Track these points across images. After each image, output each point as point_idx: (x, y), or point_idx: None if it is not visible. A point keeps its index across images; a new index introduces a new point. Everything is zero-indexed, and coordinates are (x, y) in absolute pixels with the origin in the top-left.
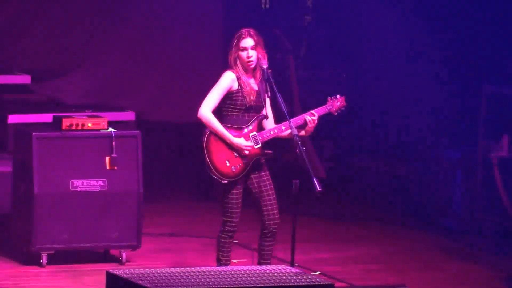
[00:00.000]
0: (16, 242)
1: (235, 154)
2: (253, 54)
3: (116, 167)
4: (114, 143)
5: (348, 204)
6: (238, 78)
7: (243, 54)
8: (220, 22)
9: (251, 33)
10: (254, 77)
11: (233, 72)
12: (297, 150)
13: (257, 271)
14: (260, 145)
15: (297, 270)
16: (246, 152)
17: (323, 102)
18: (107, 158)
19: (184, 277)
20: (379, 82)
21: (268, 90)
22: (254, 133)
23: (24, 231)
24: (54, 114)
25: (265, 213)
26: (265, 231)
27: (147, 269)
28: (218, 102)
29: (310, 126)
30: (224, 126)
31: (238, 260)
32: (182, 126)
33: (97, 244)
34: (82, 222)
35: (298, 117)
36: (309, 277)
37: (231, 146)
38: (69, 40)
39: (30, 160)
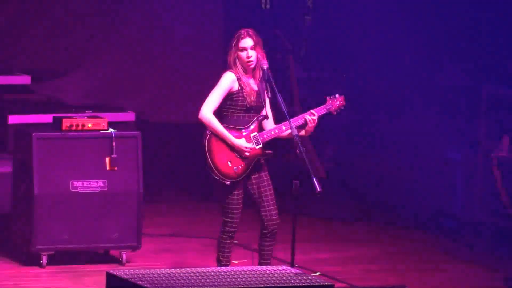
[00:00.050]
0: (16, 242)
1: (237, 155)
2: (252, 54)
3: (116, 168)
4: (114, 143)
5: (348, 204)
6: (239, 79)
7: (243, 54)
8: (220, 23)
9: (250, 33)
10: (254, 77)
11: (233, 72)
12: (297, 151)
13: (257, 272)
14: (261, 146)
15: (297, 271)
16: (247, 153)
17: (323, 102)
18: (107, 159)
19: (184, 277)
20: (379, 82)
21: (268, 90)
22: (255, 133)
23: (24, 231)
24: (54, 115)
25: (264, 213)
26: (264, 231)
27: (147, 270)
28: (219, 103)
29: (310, 125)
30: (224, 127)
31: (238, 260)
32: (182, 127)
33: (97, 245)
34: (82, 223)
35: (298, 116)
36: (309, 277)
37: (232, 147)
38: (69, 40)
39: (30, 160)
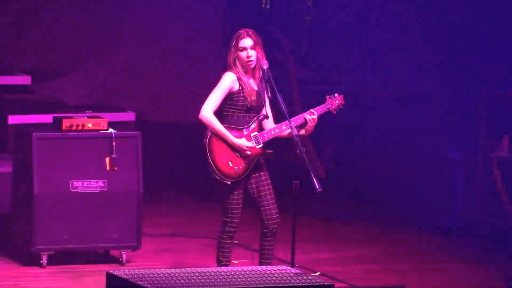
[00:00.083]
0: (16, 242)
1: (237, 154)
2: (252, 53)
3: (116, 168)
4: (114, 143)
5: (348, 204)
6: (239, 79)
7: (243, 54)
8: (220, 23)
9: (250, 33)
10: (254, 77)
11: (233, 72)
12: (297, 151)
13: (257, 272)
14: (261, 145)
15: (297, 271)
16: (248, 152)
17: (323, 102)
18: (107, 159)
19: (184, 277)
20: (379, 82)
21: (268, 90)
22: (255, 133)
23: (24, 231)
24: (54, 115)
25: (264, 213)
26: (265, 230)
27: (147, 270)
28: (220, 103)
29: (310, 125)
30: (225, 127)
31: (238, 260)
32: (182, 127)
33: (97, 245)
34: (82, 223)
35: (298, 116)
36: (309, 277)
37: (233, 147)
38: (69, 40)
39: (30, 160)
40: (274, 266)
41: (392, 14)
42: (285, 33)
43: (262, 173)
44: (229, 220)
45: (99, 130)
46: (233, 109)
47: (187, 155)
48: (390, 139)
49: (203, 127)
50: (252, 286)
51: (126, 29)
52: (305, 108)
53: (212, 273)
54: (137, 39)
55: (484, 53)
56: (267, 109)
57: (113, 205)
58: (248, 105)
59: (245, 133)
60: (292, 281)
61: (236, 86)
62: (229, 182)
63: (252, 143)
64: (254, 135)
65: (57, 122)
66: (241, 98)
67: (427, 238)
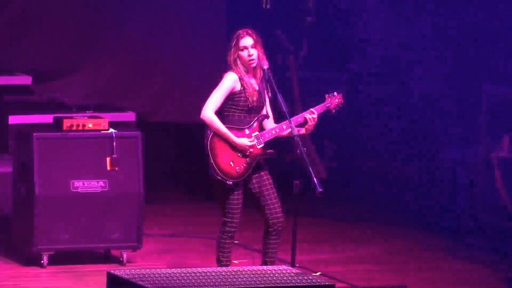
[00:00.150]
0: (17, 242)
1: (239, 154)
2: (254, 52)
3: (116, 168)
4: (114, 143)
5: (348, 205)
6: (241, 79)
7: (244, 53)
8: (221, 23)
9: (249, 32)
10: (255, 76)
11: (235, 73)
12: (298, 151)
13: (258, 272)
14: (262, 145)
15: (298, 271)
16: (251, 150)
17: (323, 101)
18: (108, 159)
19: (185, 277)
20: (379, 82)
21: (269, 90)
22: (256, 133)
23: (25, 231)
24: (55, 115)
25: (269, 212)
26: (270, 229)
27: (148, 270)
28: (221, 103)
29: (310, 124)
30: (226, 127)
31: (239, 260)
32: (182, 127)
33: (98, 245)
34: (83, 223)
35: (298, 115)
36: (310, 277)
37: (234, 147)
38: (70, 40)
39: (30, 161)
40: (274, 266)
41: (392, 13)
42: (286, 34)
43: (262, 172)
44: (229, 220)
45: (99, 130)
46: (234, 109)
47: (188, 155)
48: (390, 139)
49: (204, 127)
50: (253, 286)
51: (127, 29)
52: (305, 109)
53: (212, 273)
54: (138, 39)
55: (485, 53)
56: (268, 109)
57: (113, 205)
58: (250, 105)
59: (247, 133)
60: (293, 281)
61: (238, 86)
62: (231, 183)
63: (254, 143)
64: (255, 135)
65: (58, 122)
66: (242, 98)
67: (427, 238)
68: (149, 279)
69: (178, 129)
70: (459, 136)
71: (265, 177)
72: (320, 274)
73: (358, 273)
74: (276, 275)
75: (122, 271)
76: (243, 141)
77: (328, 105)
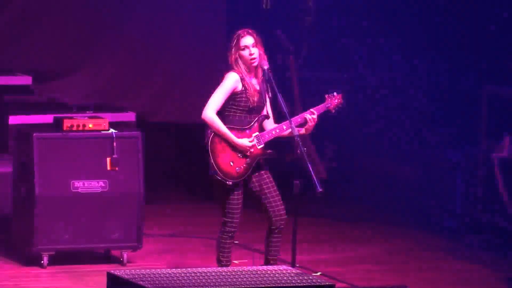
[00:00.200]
0: (17, 243)
1: (239, 155)
2: (255, 51)
3: (117, 168)
4: (115, 144)
5: (348, 205)
6: (242, 79)
7: (245, 52)
8: (221, 23)
9: (250, 31)
10: (256, 76)
11: (236, 73)
12: (298, 151)
13: (258, 272)
14: (262, 145)
15: (298, 271)
16: (252, 150)
17: (323, 101)
18: (108, 159)
19: (185, 277)
20: (380, 82)
21: (269, 90)
22: (257, 133)
23: (25, 232)
24: (55, 115)
25: (272, 210)
26: (272, 227)
27: (148, 270)
28: (222, 103)
29: (310, 124)
30: (227, 127)
31: (239, 260)
32: (182, 127)
33: (98, 245)
34: (83, 223)
35: (299, 116)
36: (310, 277)
37: (235, 147)
38: (70, 41)
39: (30, 161)
40: (275, 266)
41: (392, 13)
42: (286, 34)
43: (262, 171)
44: (229, 220)
45: (100, 131)
46: (235, 109)
47: (188, 155)
48: (390, 139)
49: (204, 127)
50: (253, 286)
51: (127, 30)
52: (306, 109)
53: (212, 273)
54: (138, 39)
55: (485, 53)
56: (268, 109)
57: (114, 205)
58: (250, 106)
59: (247, 133)
60: (293, 281)
61: (239, 87)
62: (231, 183)
63: (254, 143)
64: (256, 135)
65: (58, 122)
66: (243, 99)
67: (427, 238)
68: (149, 279)
69: (178, 129)
70: (459, 136)
71: (265, 176)
72: (320, 274)
73: (358, 273)
74: (276, 275)
75: (122, 271)
76: (244, 141)
77: (328, 105)
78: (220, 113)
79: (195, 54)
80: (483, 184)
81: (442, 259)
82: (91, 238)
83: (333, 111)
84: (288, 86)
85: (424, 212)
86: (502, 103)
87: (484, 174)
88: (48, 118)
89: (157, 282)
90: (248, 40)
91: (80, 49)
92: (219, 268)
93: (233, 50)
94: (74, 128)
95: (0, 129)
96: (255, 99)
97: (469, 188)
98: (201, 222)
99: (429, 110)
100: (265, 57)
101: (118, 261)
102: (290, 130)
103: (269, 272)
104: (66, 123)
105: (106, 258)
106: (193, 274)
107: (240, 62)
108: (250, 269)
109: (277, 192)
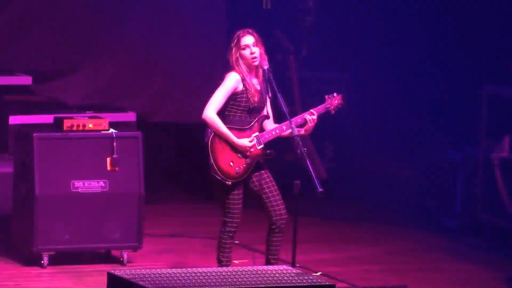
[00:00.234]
0: (17, 243)
1: (239, 155)
2: (256, 50)
3: (117, 168)
4: (115, 144)
5: (348, 205)
6: (243, 79)
7: (246, 52)
8: (223, 23)
9: (250, 31)
10: (257, 76)
11: (237, 73)
12: (298, 151)
13: (258, 272)
14: (262, 146)
15: (298, 271)
16: (252, 150)
17: (323, 102)
18: (108, 159)
19: (185, 277)
20: (380, 82)
21: (269, 90)
22: (257, 133)
23: (25, 232)
24: (55, 115)
25: (272, 209)
26: (273, 227)
27: (148, 270)
28: (223, 103)
29: (310, 125)
30: (227, 127)
31: (239, 260)
32: (182, 127)
33: (98, 245)
34: (83, 223)
35: (299, 116)
36: (310, 277)
37: (235, 147)
38: (70, 41)
39: (31, 161)
40: (275, 266)
41: (393, 12)
42: (286, 34)
43: (263, 171)
44: (230, 220)
45: (100, 131)
46: (235, 109)
47: (188, 155)
48: (390, 139)
49: (203, 127)
50: (253, 286)
51: (128, 30)
52: (306, 109)
53: (213, 273)
54: (138, 39)
55: (485, 53)
56: (268, 109)
57: (114, 205)
58: (251, 106)
59: (247, 133)
60: (293, 281)
61: (240, 87)
62: (230, 183)
63: (254, 143)
64: (256, 136)
65: (58, 122)
66: (244, 99)
67: (427, 238)
68: (149, 279)
69: (178, 129)
70: (459, 136)
71: (265, 175)
72: (320, 274)
73: (358, 273)
74: (277, 275)
75: (122, 271)
76: (244, 141)
77: (328, 106)
78: (221, 113)
79: (195, 54)
80: (483, 184)
81: (442, 259)
82: (91, 238)
83: (333, 111)
84: (288, 86)
85: (424, 212)
86: (502, 103)
87: (484, 174)
88: (48, 118)
89: (157, 282)
90: (248, 39)
91: (80, 49)
92: (219, 268)
93: (233, 50)
94: (74, 128)
95: (0, 129)
96: (256, 99)
97: (469, 188)
98: (201, 222)
99: (429, 110)
100: (266, 57)
101: (118, 261)
102: (290, 130)
103: (269, 272)
104: (66, 123)
105: (106, 258)
106: (193, 274)
107: (241, 62)
108: (251, 269)
109: (278, 192)
